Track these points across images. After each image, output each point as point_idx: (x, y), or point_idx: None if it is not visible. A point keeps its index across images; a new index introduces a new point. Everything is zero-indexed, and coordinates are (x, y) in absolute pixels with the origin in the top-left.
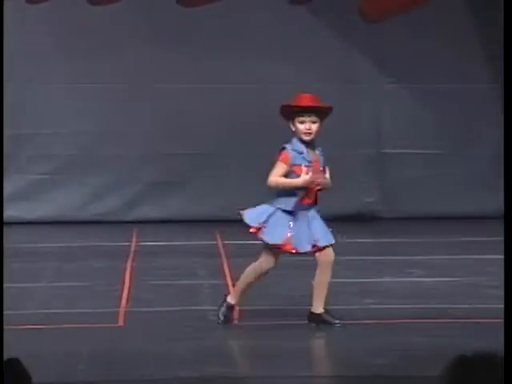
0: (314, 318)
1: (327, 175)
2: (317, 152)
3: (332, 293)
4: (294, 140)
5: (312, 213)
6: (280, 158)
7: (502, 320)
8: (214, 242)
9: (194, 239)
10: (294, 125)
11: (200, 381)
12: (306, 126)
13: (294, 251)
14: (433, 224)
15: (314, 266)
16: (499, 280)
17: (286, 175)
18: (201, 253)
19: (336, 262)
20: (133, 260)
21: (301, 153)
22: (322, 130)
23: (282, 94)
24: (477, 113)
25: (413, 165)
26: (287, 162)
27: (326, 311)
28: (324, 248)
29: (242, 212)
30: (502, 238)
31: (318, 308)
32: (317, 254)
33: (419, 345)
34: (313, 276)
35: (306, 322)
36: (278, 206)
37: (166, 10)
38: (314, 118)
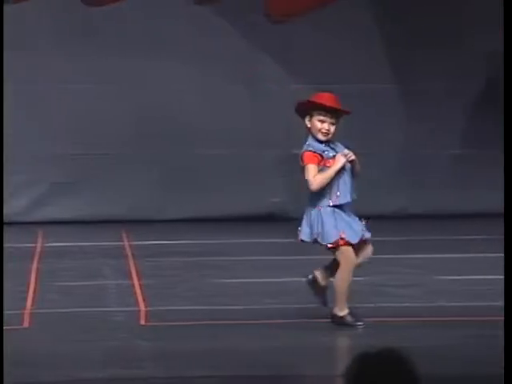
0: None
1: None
2: (337, 149)
3: (243, 293)
4: (310, 139)
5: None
6: (306, 160)
7: (406, 318)
8: (121, 243)
9: (100, 240)
10: (310, 121)
11: (105, 382)
12: (326, 127)
13: (350, 244)
14: None
15: (216, 266)
16: (400, 279)
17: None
18: (107, 254)
19: (243, 263)
20: (38, 261)
21: (323, 150)
22: (234, 131)
23: (187, 95)
24: (381, 113)
25: None
26: (316, 161)
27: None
28: (365, 242)
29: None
30: (404, 238)
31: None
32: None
33: (322, 344)
34: (211, 276)
35: (209, 321)
36: (320, 205)
37: (72, 10)
38: (333, 120)
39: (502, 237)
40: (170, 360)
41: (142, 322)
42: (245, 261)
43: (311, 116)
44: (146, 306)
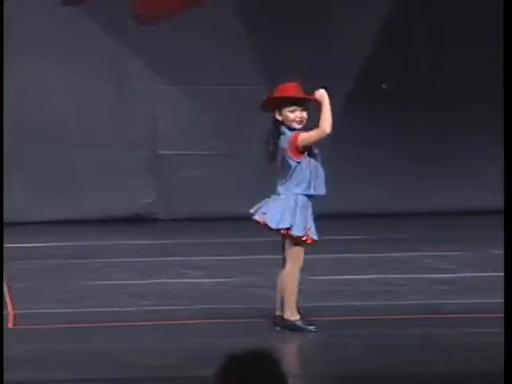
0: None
1: None
2: None
3: (107, 295)
4: (284, 128)
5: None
6: (296, 136)
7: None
8: None
9: None
10: (281, 114)
11: None
12: (298, 115)
13: (313, 242)
14: (209, 225)
15: (86, 268)
16: (270, 280)
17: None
18: None
19: (112, 264)
20: None
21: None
22: (101, 131)
23: (56, 95)
24: (249, 114)
25: (189, 166)
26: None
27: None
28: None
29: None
30: (270, 239)
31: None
32: None
33: (196, 345)
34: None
35: (79, 324)
36: (294, 192)
37: None
38: (303, 107)
39: (365, 236)
40: (38, 363)
41: (10, 325)
42: (115, 263)
43: (280, 109)
44: (14, 309)
